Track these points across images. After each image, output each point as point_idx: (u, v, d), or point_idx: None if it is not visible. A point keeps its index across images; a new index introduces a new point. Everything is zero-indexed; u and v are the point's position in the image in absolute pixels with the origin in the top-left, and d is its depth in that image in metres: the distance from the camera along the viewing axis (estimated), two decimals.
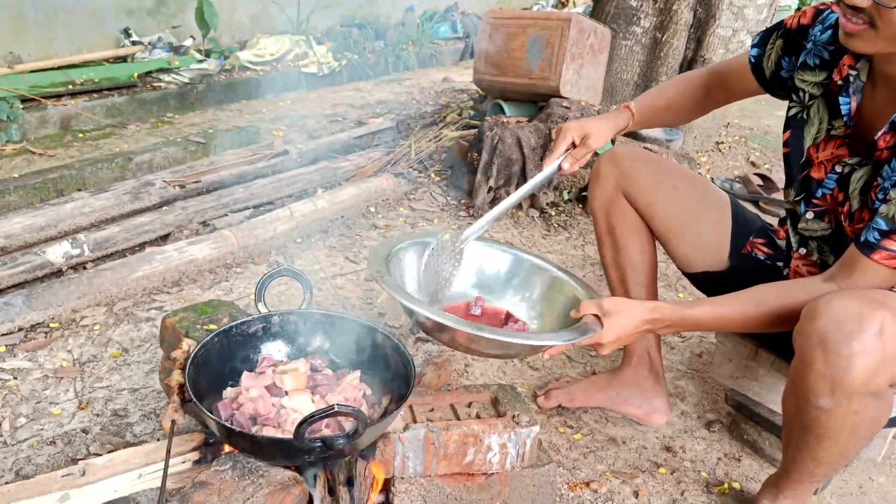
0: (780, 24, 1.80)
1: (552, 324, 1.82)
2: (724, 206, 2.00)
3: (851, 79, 1.57)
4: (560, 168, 1.84)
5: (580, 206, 3.56)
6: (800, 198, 1.74)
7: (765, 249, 1.96)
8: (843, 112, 1.59)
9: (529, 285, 1.92)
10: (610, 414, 2.23)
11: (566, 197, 3.50)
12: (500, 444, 1.72)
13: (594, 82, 3.81)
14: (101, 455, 1.89)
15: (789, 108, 1.77)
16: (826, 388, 1.43)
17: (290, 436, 1.45)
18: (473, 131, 4.00)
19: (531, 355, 1.83)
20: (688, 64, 4.03)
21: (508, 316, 1.86)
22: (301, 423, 1.40)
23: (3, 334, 2.35)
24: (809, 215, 1.72)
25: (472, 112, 4.43)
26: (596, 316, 1.61)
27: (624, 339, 1.63)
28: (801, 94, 1.73)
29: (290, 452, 1.49)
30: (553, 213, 3.51)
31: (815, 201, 1.70)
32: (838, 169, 1.63)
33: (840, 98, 1.59)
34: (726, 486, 1.98)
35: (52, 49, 5.05)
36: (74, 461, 1.88)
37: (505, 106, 3.84)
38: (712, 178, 3.92)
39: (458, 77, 6.44)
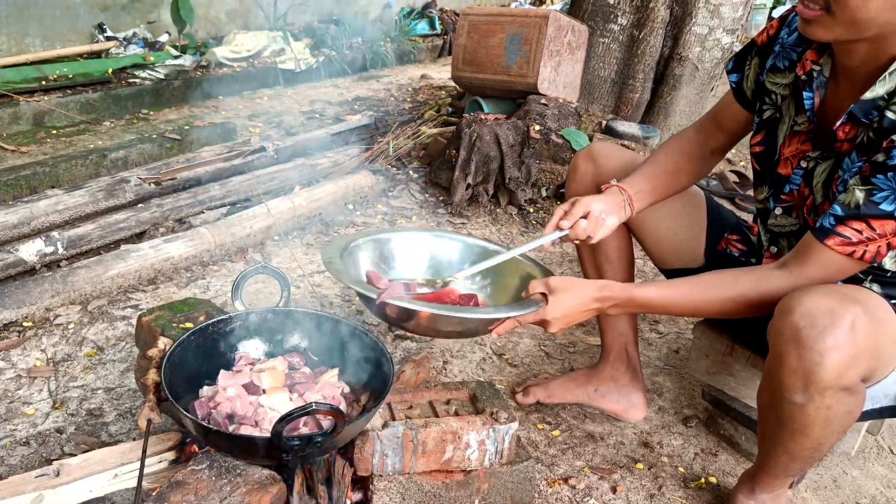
0: (752, 43, 1.80)
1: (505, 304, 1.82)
2: (699, 203, 2.02)
3: (815, 74, 1.58)
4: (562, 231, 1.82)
5: (558, 202, 3.56)
6: (769, 194, 1.76)
7: (739, 246, 1.98)
8: (807, 107, 1.60)
9: (484, 270, 1.89)
10: (588, 410, 2.23)
11: (544, 194, 3.51)
12: (478, 440, 1.72)
13: (572, 79, 3.81)
14: (75, 455, 1.87)
15: (762, 111, 1.76)
16: (799, 383, 1.45)
17: (267, 434, 1.44)
18: (452, 128, 4.00)
19: (478, 332, 1.80)
20: (664, 62, 4.05)
21: (466, 297, 1.84)
22: (279, 422, 1.39)
23: None
24: (778, 211, 1.74)
25: (450, 109, 4.43)
26: (544, 294, 1.62)
27: (572, 317, 1.62)
28: (773, 96, 1.74)
29: (268, 451, 1.48)
30: (531, 210, 3.51)
31: (782, 197, 1.71)
32: (803, 164, 1.65)
33: (804, 93, 1.60)
34: (703, 480, 1.99)
35: (25, 44, 4.98)
36: (49, 461, 1.86)
37: (483, 103, 3.84)
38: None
39: (436, 74, 6.44)
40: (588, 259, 2.13)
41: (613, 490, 1.94)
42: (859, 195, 1.42)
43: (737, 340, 2.06)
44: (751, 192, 3.78)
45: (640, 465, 2.04)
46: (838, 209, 1.45)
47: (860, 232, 1.41)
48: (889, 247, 1.41)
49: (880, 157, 1.40)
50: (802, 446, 1.58)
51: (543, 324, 1.63)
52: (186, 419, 1.52)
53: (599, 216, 1.79)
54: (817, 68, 1.58)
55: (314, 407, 1.38)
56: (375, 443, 1.65)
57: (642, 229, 2.03)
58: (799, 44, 1.66)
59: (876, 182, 1.39)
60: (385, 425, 1.66)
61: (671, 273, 2.06)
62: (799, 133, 1.66)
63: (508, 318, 1.62)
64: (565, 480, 1.95)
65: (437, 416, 1.78)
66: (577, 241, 1.85)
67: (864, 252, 1.42)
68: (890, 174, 1.38)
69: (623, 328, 2.16)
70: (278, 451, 1.46)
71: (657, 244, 2.03)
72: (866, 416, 1.67)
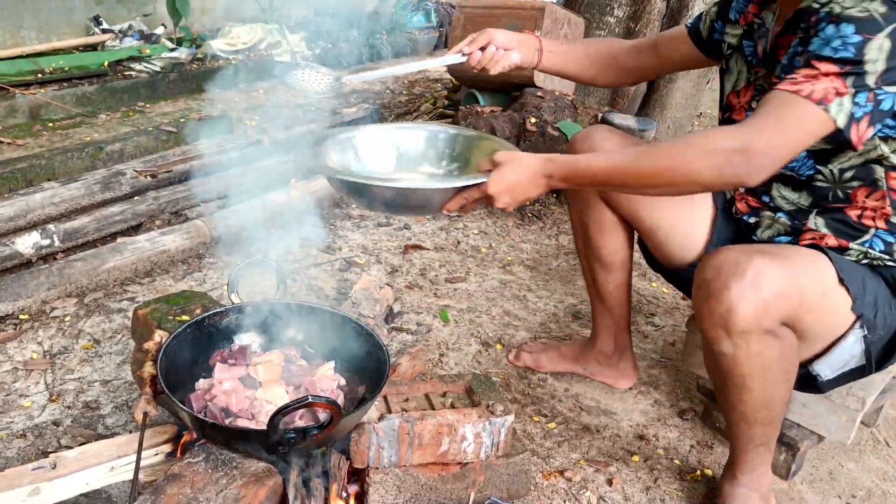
0: None
1: None
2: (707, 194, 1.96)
3: (756, 25, 1.69)
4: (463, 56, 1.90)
5: (554, 195, 3.57)
6: None
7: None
8: (747, 54, 1.71)
9: (449, 152, 1.94)
10: (584, 402, 2.24)
11: None
12: (474, 433, 1.72)
13: None
14: (72, 448, 1.87)
15: (722, 60, 1.87)
16: (720, 331, 1.50)
17: (263, 427, 1.44)
18: (448, 121, 3.99)
19: (427, 208, 1.79)
20: None
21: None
22: (275, 415, 1.39)
23: None
24: None
25: (446, 101, 4.43)
26: (489, 170, 1.61)
27: (517, 192, 1.58)
28: (723, 45, 1.84)
29: (264, 444, 1.48)
30: (527, 204, 3.51)
31: None
32: (754, 105, 1.71)
33: (744, 42, 1.72)
34: (699, 472, 2.00)
35: (20, 37, 4.97)
36: (45, 454, 1.86)
37: (479, 95, 3.84)
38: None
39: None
40: (582, 255, 2.15)
41: (609, 482, 1.94)
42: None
43: None
44: None
45: (636, 458, 2.04)
46: (799, 61, 1.46)
47: (807, 76, 1.40)
48: (837, 93, 1.38)
49: (812, 33, 1.44)
50: (751, 404, 1.62)
51: (489, 200, 1.59)
52: (183, 412, 1.52)
53: (500, 49, 1.89)
54: (759, 21, 1.68)
55: (310, 400, 1.39)
56: (371, 435, 1.65)
57: (653, 230, 1.94)
58: None
59: (812, 44, 1.42)
60: (381, 418, 1.66)
61: (671, 275, 2.06)
62: (751, 84, 1.74)
63: (452, 188, 1.61)
64: (561, 473, 1.96)
65: (433, 408, 1.78)
66: (476, 69, 1.93)
67: (812, 91, 1.38)
68: (821, 33, 1.40)
69: (611, 313, 2.18)
70: (274, 444, 1.46)
71: (666, 245, 1.95)
72: (840, 380, 1.70)
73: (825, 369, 1.67)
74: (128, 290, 2.62)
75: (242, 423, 1.57)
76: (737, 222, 1.88)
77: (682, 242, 1.92)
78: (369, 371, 1.75)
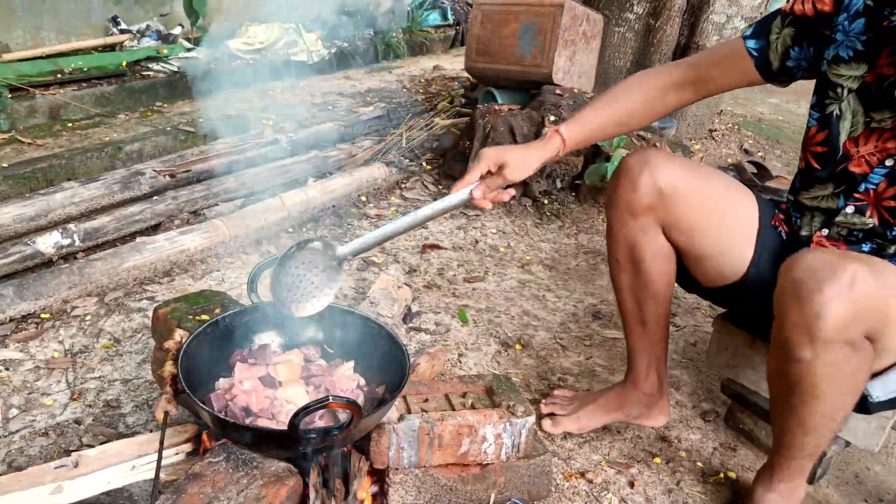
0: (780, 11, 1.72)
1: None
2: (753, 210, 1.86)
3: None
4: (471, 197, 1.67)
5: (573, 194, 3.55)
6: (835, 192, 1.69)
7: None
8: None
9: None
10: None
11: (559, 185, 3.49)
12: (495, 434, 1.71)
13: (587, 69, 3.79)
14: (93, 446, 1.87)
15: (826, 106, 1.68)
16: (803, 337, 1.44)
17: (284, 427, 1.44)
18: (465, 119, 3.98)
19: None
20: (681, 51, 4.02)
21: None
22: (296, 415, 1.38)
23: None
24: (850, 209, 1.67)
25: (463, 100, 4.41)
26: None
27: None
28: (838, 90, 1.64)
29: (285, 444, 1.47)
30: (545, 202, 3.50)
31: (857, 195, 1.66)
32: (888, 163, 1.59)
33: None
34: (722, 475, 1.97)
35: (40, 38, 5.00)
36: (67, 452, 1.86)
37: (497, 93, 3.82)
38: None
39: (448, 65, 6.42)
40: (628, 289, 1.95)
41: (631, 485, 1.92)
42: None
43: (757, 336, 2.04)
44: (771, 184, 3.74)
45: (657, 460, 2.02)
46: None
47: None
48: None
49: None
50: (813, 412, 1.55)
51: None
52: (203, 411, 1.52)
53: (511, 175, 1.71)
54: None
55: (331, 400, 1.38)
56: (392, 436, 1.64)
57: (700, 257, 1.84)
58: (864, 31, 1.58)
59: None
60: (401, 418, 1.66)
61: (709, 292, 1.97)
62: (877, 130, 1.60)
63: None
64: (582, 474, 1.94)
65: (453, 409, 1.77)
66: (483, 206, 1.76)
67: None
68: None
69: (654, 344, 2.02)
70: (295, 444, 1.45)
71: (712, 268, 1.85)
72: (890, 403, 1.63)
73: (878, 390, 1.60)
74: (147, 289, 2.63)
75: (263, 422, 1.56)
76: (778, 236, 1.83)
77: (731, 262, 1.82)
78: (389, 371, 1.74)
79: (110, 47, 5.32)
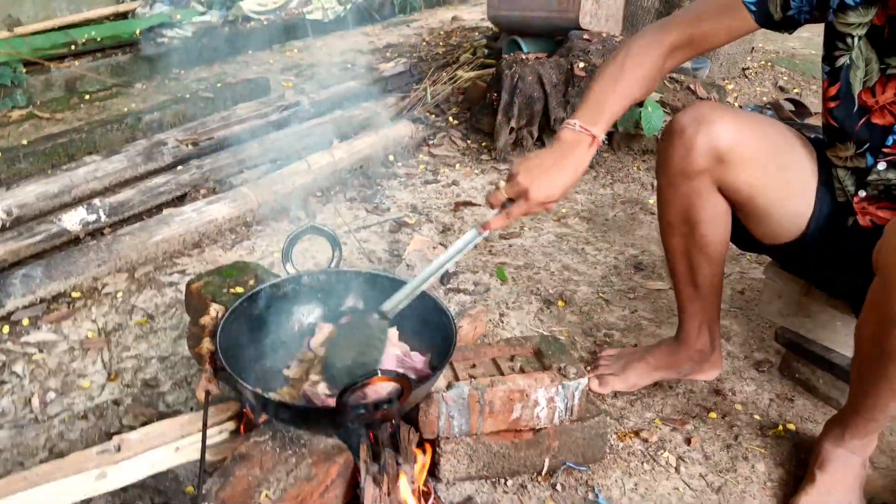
0: None
1: None
2: (813, 163, 1.74)
3: None
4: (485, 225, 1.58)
5: (605, 143, 3.43)
6: (863, 150, 1.58)
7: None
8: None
9: None
10: None
11: None
12: (547, 398, 1.65)
13: (614, 11, 3.65)
14: (134, 427, 1.84)
15: (836, 58, 1.57)
16: None
17: (331, 403, 1.38)
18: (490, 71, 3.87)
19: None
20: None
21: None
22: (344, 391, 1.32)
23: (25, 307, 2.29)
24: (881, 166, 1.55)
25: (486, 51, 4.29)
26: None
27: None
28: (848, 39, 1.54)
29: (333, 421, 1.42)
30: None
31: (885, 150, 1.54)
32: None
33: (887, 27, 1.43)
34: (781, 427, 1.90)
35: (51, 9, 4.92)
36: (108, 435, 1.83)
37: (522, 42, 3.70)
38: (741, 106, 3.77)
39: (467, 15, 6.26)
40: (681, 252, 1.85)
41: (688, 441, 1.86)
42: None
43: (813, 283, 1.94)
44: (811, 121, 3.60)
45: (713, 415, 1.95)
46: None
47: None
48: None
49: None
50: None
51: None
52: (246, 390, 1.46)
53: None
54: None
55: (379, 373, 1.31)
56: (441, 405, 1.59)
57: (762, 215, 1.73)
58: None
59: None
60: (449, 386, 1.60)
61: (766, 249, 1.86)
62: (895, 76, 1.47)
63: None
64: (636, 433, 1.88)
65: (501, 374, 1.71)
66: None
67: None
68: None
69: (707, 306, 1.93)
70: (344, 421, 1.40)
71: (772, 225, 1.74)
72: None
73: None
74: (177, 262, 2.58)
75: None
76: (832, 194, 1.70)
77: (792, 219, 1.71)
78: (434, 337, 1.68)
79: (122, 15, 5.25)
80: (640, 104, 3.16)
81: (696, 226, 1.78)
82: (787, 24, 1.64)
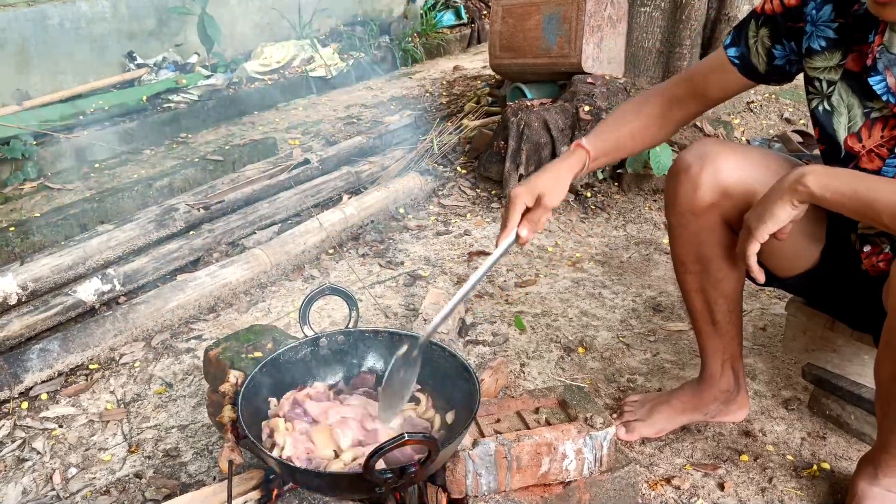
0: (753, 13, 1.63)
1: None
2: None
3: (878, 55, 1.41)
4: (518, 237, 1.59)
5: (616, 184, 3.44)
6: None
7: None
8: (880, 93, 1.42)
9: None
10: None
11: (601, 177, 3.38)
12: (575, 450, 1.62)
13: (616, 54, 3.68)
14: (158, 501, 1.82)
15: (810, 101, 1.59)
16: None
17: (358, 470, 1.36)
18: (495, 118, 3.89)
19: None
20: (711, 25, 3.87)
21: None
22: (371, 456, 1.30)
23: (43, 381, 2.28)
24: None
25: (490, 99, 4.32)
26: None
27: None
28: (817, 83, 1.55)
29: (360, 486, 1.39)
30: (588, 195, 3.38)
31: None
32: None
33: (869, 80, 1.43)
34: (815, 467, 1.86)
35: (58, 81, 4.99)
36: None
37: (525, 89, 3.72)
38: (748, 141, 3.77)
39: (468, 64, 6.32)
40: (697, 290, 1.83)
41: (721, 487, 1.82)
42: None
43: (836, 318, 1.91)
44: (817, 152, 3.59)
45: (744, 457, 1.91)
46: None
47: None
48: None
49: None
50: None
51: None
52: (270, 459, 1.44)
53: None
54: (879, 48, 1.41)
55: (406, 437, 1.29)
56: (467, 463, 1.56)
57: (771, 249, 1.68)
58: (834, 19, 1.48)
59: None
60: (475, 443, 1.57)
61: (782, 282, 1.83)
62: (880, 119, 1.47)
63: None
64: (668, 481, 1.84)
65: (527, 427, 1.68)
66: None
67: None
68: None
69: (728, 343, 1.90)
70: (370, 486, 1.37)
71: (784, 259, 1.73)
72: None
73: None
74: (193, 328, 2.57)
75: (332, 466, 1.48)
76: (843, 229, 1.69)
77: (804, 249, 1.71)
78: (456, 395, 1.65)
79: (129, 83, 5.30)
80: None
81: (709, 262, 1.78)
82: (778, 75, 1.66)
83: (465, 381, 1.62)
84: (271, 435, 1.57)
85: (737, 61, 1.65)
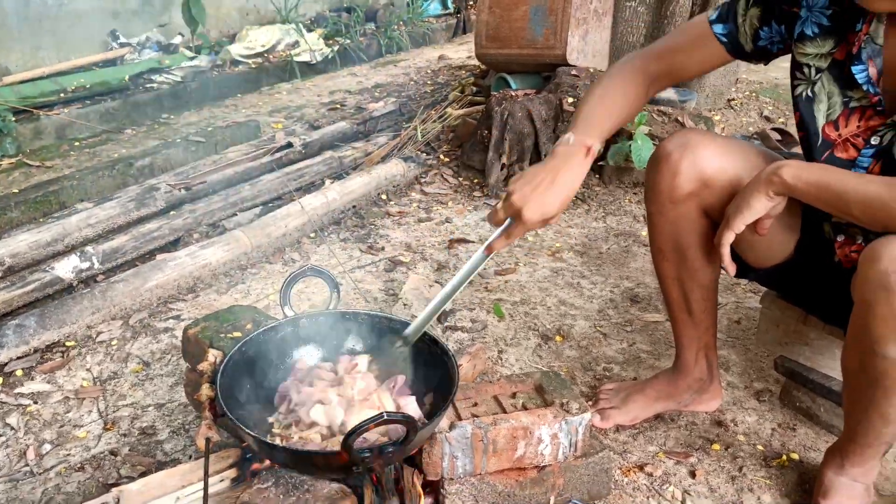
0: None
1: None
2: None
3: (864, 44, 1.43)
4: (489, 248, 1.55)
5: (597, 176, 3.46)
6: None
7: None
8: (861, 82, 1.44)
9: None
10: None
11: None
12: (550, 434, 1.64)
13: (601, 47, 3.70)
14: (133, 478, 1.81)
15: (794, 87, 1.60)
16: (891, 332, 1.34)
17: (336, 448, 1.37)
18: (479, 108, 3.90)
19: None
20: None
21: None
22: (349, 435, 1.31)
23: (18, 357, 2.26)
24: None
25: (474, 88, 4.32)
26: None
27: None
28: (805, 70, 1.56)
29: (339, 466, 1.40)
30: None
31: None
32: (874, 141, 1.48)
33: (852, 68, 1.44)
34: (784, 457, 1.89)
35: (40, 58, 4.93)
36: (106, 486, 1.80)
37: (510, 79, 3.73)
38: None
39: (453, 54, 6.32)
40: (673, 278, 1.86)
41: (692, 474, 1.85)
42: None
43: (809, 311, 1.95)
44: (796, 150, 3.64)
45: (716, 446, 1.94)
46: None
47: None
48: None
49: None
50: None
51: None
52: (248, 436, 1.45)
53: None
54: (865, 37, 1.42)
55: (386, 417, 1.30)
56: (444, 445, 1.57)
57: (747, 239, 1.69)
58: (829, 6, 1.48)
59: None
60: (452, 426, 1.58)
61: (757, 274, 1.86)
62: (857, 108, 1.49)
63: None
64: (640, 468, 1.86)
65: (504, 411, 1.70)
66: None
67: None
68: None
69: (702, 332, 1.92)
70: (349, 465, 1.38)
71: (761, 249, 1.74)
72: None
73: None
74: (172, 307, 2.56)
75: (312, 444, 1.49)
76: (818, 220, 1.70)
77: (779, 241, 1.71)
78: (434, 377, 1.67)
79: (111, 62, 5.26)
80: (630, 137, 3.19)
81: (686, 251, 1.80)
82: (760, 55, 1.67)
83: (443, 365, 1.63)
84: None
85: (724, 39, 1.65)
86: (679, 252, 1.81)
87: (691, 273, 1.83)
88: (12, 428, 2.03)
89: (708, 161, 1.67)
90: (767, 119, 4.11)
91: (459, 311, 2.52)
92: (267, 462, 1.52)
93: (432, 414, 1.54)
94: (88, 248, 2.68)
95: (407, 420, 1.33)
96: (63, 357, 2.30)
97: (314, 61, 5.85)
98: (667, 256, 1.84)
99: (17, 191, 3.25)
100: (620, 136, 3.27)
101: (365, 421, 1.30)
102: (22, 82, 4.64)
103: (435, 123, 3.90)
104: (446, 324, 2.44)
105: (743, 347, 2.37)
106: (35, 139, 4.18)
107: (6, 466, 1.90)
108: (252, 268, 2.81)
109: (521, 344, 2.37)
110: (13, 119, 4.10)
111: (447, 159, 3.70)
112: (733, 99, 4.17)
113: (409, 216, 3.26)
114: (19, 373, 2.22)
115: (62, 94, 4.63)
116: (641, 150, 3.13)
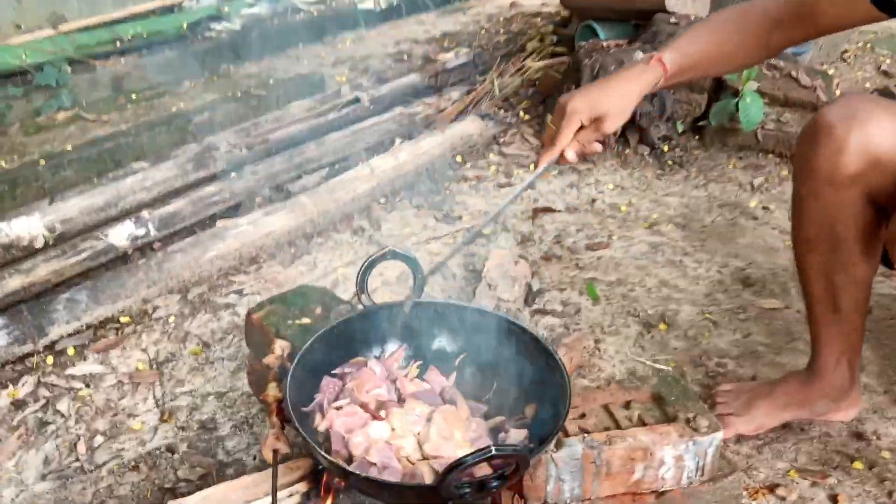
0: None
1: None
2: None
3: None
4: (562, 158, 1.42)
5: (696, 137, 3.13)
6: None
7: None
8: None
9: None
10: None
11: (680, 129, 3.08)
12: (675, 456, 1.41)
13: None
14: (191, 480, 1.65)
15: None
16: None
17: (428, 482, 1.14)
18: (562, 60, 3.60)
19: None
20: None
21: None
22: (448, 470, 1.08)
23: (69, 334, 2.09)
24: None
25: (554, 38, 4.01)
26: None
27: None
28: None
29: (431, 499, 1.18)
30: (666, 149, 3.07)
31: None
32: None
33: None
34: None
35: (96, 5, 4.76)
36: (162, 491, 1.62)
37: (598, 28, 3.42)
38: (842, 94, 3.44)
39: (526, 0, 5.95)
40: (819, 272, 1.61)
41: (833, 500, 1.59)
42: None
43: None
44: None
45: (857, 465, 1.67)
46: None
47: None
48: None
49: None
50: None
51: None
52: (324, 460, 1.23)
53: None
54: None
55: (494, 452, 1.06)
56: (549, 467, 1.36)
57: None
58: None
59: None
60: (559, 444, 1.36)
61: None
62: None
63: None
64: (770, 489, 1.61)
65: (617, 425, 1.47)
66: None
67: None
68: None
69: (849, 333, 1.66)
70: (442, 499, 1.15)
71: None
72: None
73: None
74: (233, 280, 2.36)
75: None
76: None
77: None
78: (536, 386, 1.42)
79: (168, 9, 5.06)
80: (737, 94, 2.86)
81: (842, 243, 1.55)
82: None
83: (550, 374, 1.39)
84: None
85: None
86: (832, 243, 1.55)
87: (845, 266, 1.57)
88: (63, 415, 1.87)
89: (881, 137, 1.41)
90: (886, 74, 3.70)
91: (548, 292, 2.27)
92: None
93: (542, 438, 1.29)
94: (144, 213, 2.48)
95: (518, 455, 1.09)
96: (117, 335, 2.13)
97: (379, 9, 5.59)
98: (815, 247, 1.58)
99: (70, 147, 3.06)
100: (725, 92, 2.95)
101: (469, 454, 1.07)
102: (78, 31, 4.47)
103: (513, 77, 3.60)
104: (535, 307, 2.19)
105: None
106: (91, 91, 4.01)
107: (55, 460, 1.75)
108: (318, 237, 2.59)
109: (620, 332, 2.11)
110: (69, 70, 3.95)
111: (528, 117, 3.41)
112: (846, 51, 3.78)
113: (487, 181, 2.99)
114: (71, 352, 2.06)
115: (118, 43, 4.46)
116: (750, 108, 2.81)
